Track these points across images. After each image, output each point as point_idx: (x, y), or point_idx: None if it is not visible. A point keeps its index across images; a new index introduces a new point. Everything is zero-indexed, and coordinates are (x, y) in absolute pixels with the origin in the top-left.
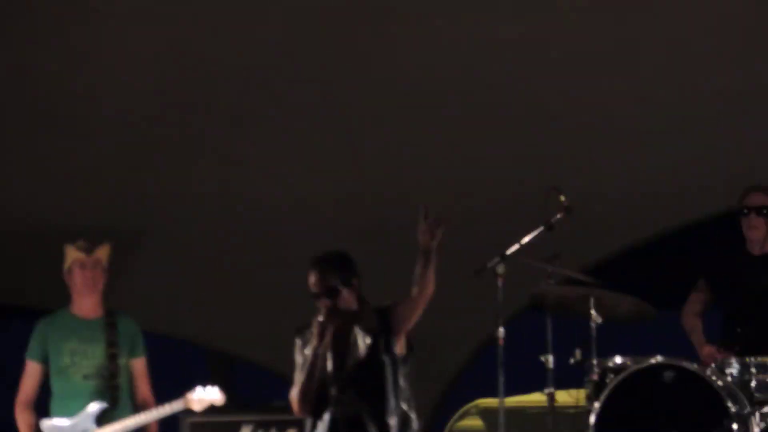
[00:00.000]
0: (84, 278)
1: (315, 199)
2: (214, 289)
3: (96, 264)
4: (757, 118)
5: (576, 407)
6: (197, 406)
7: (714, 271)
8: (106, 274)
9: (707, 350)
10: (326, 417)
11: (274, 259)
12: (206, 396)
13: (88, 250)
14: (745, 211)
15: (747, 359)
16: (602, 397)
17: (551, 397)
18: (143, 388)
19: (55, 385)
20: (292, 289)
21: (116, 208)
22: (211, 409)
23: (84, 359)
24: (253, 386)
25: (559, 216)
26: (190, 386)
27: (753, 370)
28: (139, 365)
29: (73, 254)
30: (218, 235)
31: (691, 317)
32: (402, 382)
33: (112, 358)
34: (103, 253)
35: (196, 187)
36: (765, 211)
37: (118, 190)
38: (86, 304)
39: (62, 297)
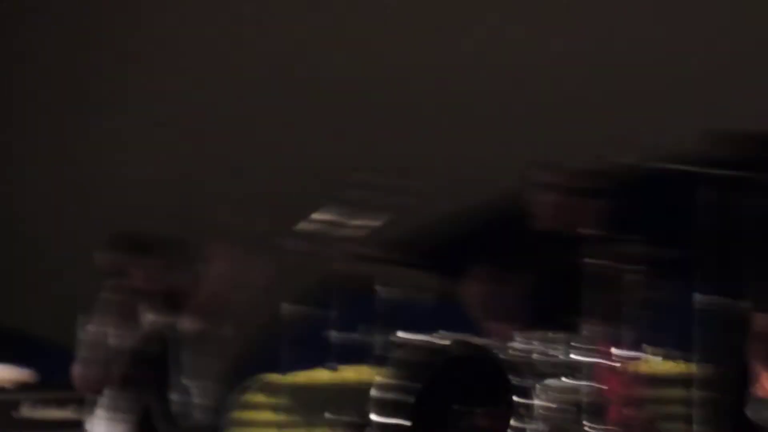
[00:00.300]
0: None
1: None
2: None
3: None
4: None
5: (361, 383)
6: None
7: (498, 249)
8: None
9: (492, 327)
10: (110, 394)
11: (63, 233)
12: (6, 373)
13: None
14: (535, 187)
15: (532, 333)
16: (387, 372)
17: (337, 373)
18: None
19: None
20: (79, 265)
21: None
22: None
23: None
24: (41, 363)
25: (357, 193)
26: None
27: (536, 343)
28: None
29: None
30: (6, 209)
31: (474, 296)
32: (190, 357)
33: None
34: None
35: None
36: (553, 188)
37: None
38: None
39: None
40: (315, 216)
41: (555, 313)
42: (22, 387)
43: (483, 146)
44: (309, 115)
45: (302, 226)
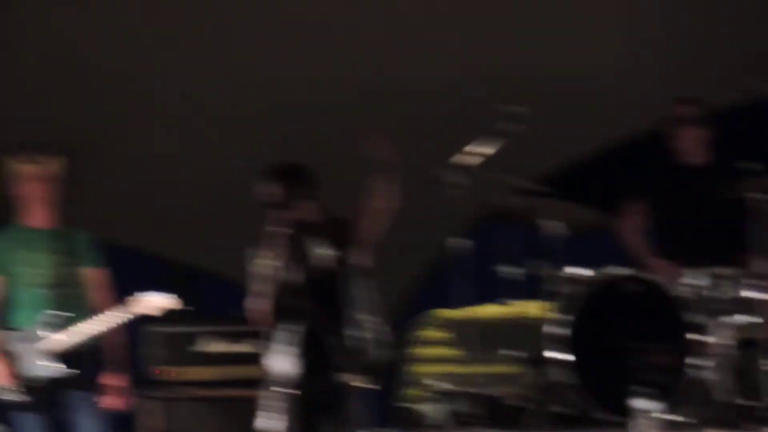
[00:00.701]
0: (35, 191)
1: (274, 109)
2: (171, 199)
3: (47, 177)
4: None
5: (533, 318)
6: (150, 310)
7: (650, 185)
8: (59, 187)
9: (657, 264)
10: (288, 328)
11: (234, 169)
12: (157, 299)
13: (39, 164)
14: (678, 122)
15: (701, 270)
16: (559, 307)
17: (510, 308)
18: (103, 298)
19: (14, 296)
20: (251, 200)
21: (81, 120)
22: (178, 320)
23: (38, 269)
24: (217, 298)
25: (513, 126)
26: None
27: (710, 280)
28: (95, 275)
29: (23, 167)
30: (180, 147)
31: (632, 234)
32: (364, 293)
33: (64, 266)
34: (55, 166)
35: (157, 98)
36: (696, 122)
37: (82, 101)
38: (38, 216)
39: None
40: (475, 149)
41: (721, 248)
42: (196, 319)
43: (633, 81)
44: (465, 42)
45: (462, 158)
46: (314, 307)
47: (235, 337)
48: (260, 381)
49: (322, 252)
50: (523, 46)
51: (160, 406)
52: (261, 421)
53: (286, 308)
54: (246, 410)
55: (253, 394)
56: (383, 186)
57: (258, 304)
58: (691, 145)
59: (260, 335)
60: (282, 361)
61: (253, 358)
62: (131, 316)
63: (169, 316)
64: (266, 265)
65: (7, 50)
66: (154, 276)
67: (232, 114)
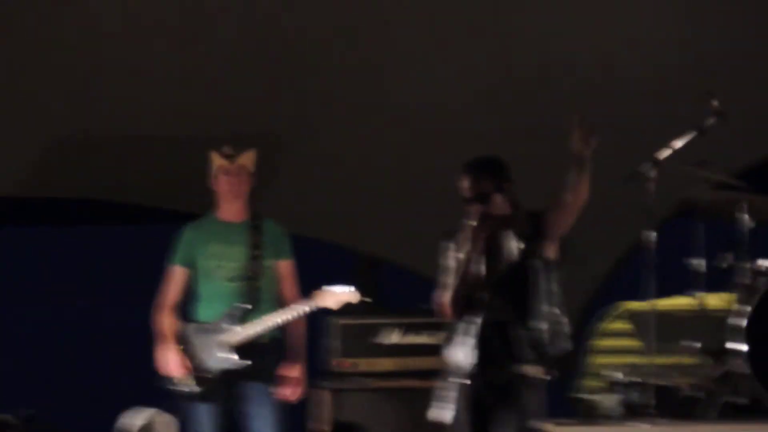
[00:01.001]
0: (228, 185)
1: (467, 103)
2: (361, 191)
3: (240, 170)
4: None
5: (726, 311)
6: (332, 303)
7: None
8: (251, 179)
9: None
10: (476, 321)
11: (423, 162)
12: (340, 293)
13: (232, 157)
14: None
15: None
16: (753, 301)
17: (701, 301)
18: (289, 290)
19: (200, 289)
20: (439, 192)
21: (265, 111)
22: (359, 312)
23: (228, 261)
24: (399, 289)
25: (711, 120)
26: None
27: None
28: (284, 268)
29: (217, 161)
30: (367, 138)
31: None
32: (554, 286)
33: (255, 259)
34: (247, 159)
35: (346, 90)
36: None
37: (267, 93)
38: (231, 209)
39: (209, 204)
40: (675, 143)
41: None
42: (385, 311)
43: None
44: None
45: (662, 152)
46: (499, 299)
47: (417, 328)
48: (438, 372)
49: (512, 245)
50: (726, 32)
51: (331, 396)
52: (434, 411)
53: (472, 300)
54: (421, 401)
55: (429, 385)
56: (575, 179)
57: (446, 296)
58: None
59: (443, 327)
60: (461, 352)
61: (433, 350)
62: (314, 309)
63: (352, 307)
64: (457, 258)
65: (207, 41)
66: (340, 267)
67: (425, 109)
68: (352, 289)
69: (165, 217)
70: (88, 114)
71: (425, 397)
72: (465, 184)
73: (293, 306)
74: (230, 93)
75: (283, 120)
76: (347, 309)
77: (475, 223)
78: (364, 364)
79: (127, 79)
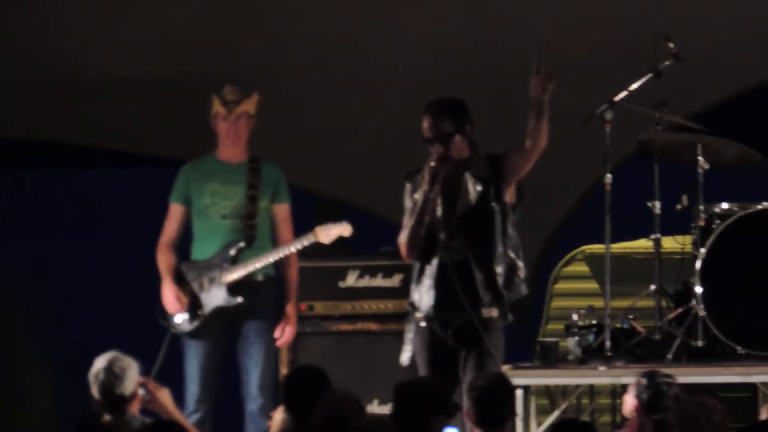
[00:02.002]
0: (226, 130)
1: (430, 46)
2: (322, 134)
3: (239, 117)
4: None
5: (682, 253)
6: (326, 239)
7: None
8: (252, 123)
9: None
10: (434, 262)
11: (385, 104)
12: (335, 229)
13: (231, 105)
14: None
15: None
16: (709, 242)
17: (657, 243)
18: (285, 233)
19: (195, 226)
20: (401, 134)
21: (231, 56)
22: (318, 254)
23: (224, 200)
24: (361, 232)
25: (667, 63)
26: (298, 232)
27: None
28: (281, 211)
29: (216, 107)
30: (329, 81)
31: None
32: (511, 230)
33: (251, 199)
34: (249, 105)
35: (308, 32)
36: None
37: (233, 38)
38: (230, 151)
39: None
40: (631, 85)
41: None
42: (348, 255)
43: None
44: None
45: (618, 94)
46: (457, 241)
47: (376, 271)
48: (396, 315)
49: (470, 187)
50: None
51: (295, 340)
52: (405, 355)
53: (429, 241)
54: (379, 344)
55: (387, 328)
56: (534, 125)
57: (402, 237)
58: None
59: (410, 269)
60: (418, 293)
61: (392, 293)
62: (307, 245)
63: (310, 250)
64: (414, 199)
65: None
66: (302, 210)
67: (390, 52)
68: (345, 223)
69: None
70: (63, 56)
71: (384, 340)
72: (425, 124)
73: (288, 245)
74: (201, 37)
75: (248, 65)
76: (306, 251)
77: (433, 164)
78: (322, 307)
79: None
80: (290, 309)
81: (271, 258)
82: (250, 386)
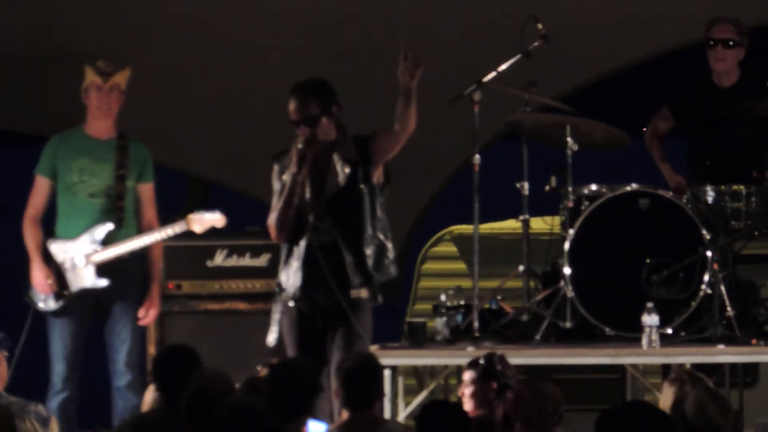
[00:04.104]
0: (98, 101)
1: (297, 25)
2: (191, 113)
3: (113, 88)
4: None
5: (550, 234)
6: (198, 228)
7: (681, 103)
8: (122, 98)
9: (677, 180)
10: (302, 243)
11: (252, 84)
12: (208, 218)
13: (107, 75)
14: (712, 42)
15: (722, 187)
16: (577, 224)
17: (526, 224)
18: (149, 213)
19: (61, 203)
20: (269, 115)
21: (92, 33)
22: (186, 234)
23: (92, 178)
24: (229, 211)
25: (536, 44)
26: (166, 210)
27: (728, 198)
28: (147, 190)
29: (91, 77)
30: (198, 59)
31: (655, 144)
32: (379, 211)
33: (120, 179)
34: (122, 77)
35: (177, 10)
36: (731, 43)
37: (94, 15)
38: (100, 125)
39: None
40: (499, 66)
41: (740, 164)
42: (216, 234)
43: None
44: None
45: (487, 75)
46: (325, 222)
47: (243, 251)
48: (264, 295)
49: (338, 169)
50: None
51: (163, 319)
52: (271, 336)
53: (297, 223)
54: (247, 324)
55: (255, 308)
56: (402, 110)
57: (271, 218)
58: (724, 65)
59: (269, 249)
60: (285, 274)
61: (259, 272)
62: (179, 232)
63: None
64: (283, 180)
65: None
66: (170, 189)
67: (257, 30)
68: (218, 213)
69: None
70: None
71: (251, 320)
72: (292, 106)
73: (159, 228)
74: (66, 14)
75: (112, 42)
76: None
77: (301, 146)
78: (189, 286)
79: None
80: (153, 289)
81: (141, 243)
82: (118, 363)
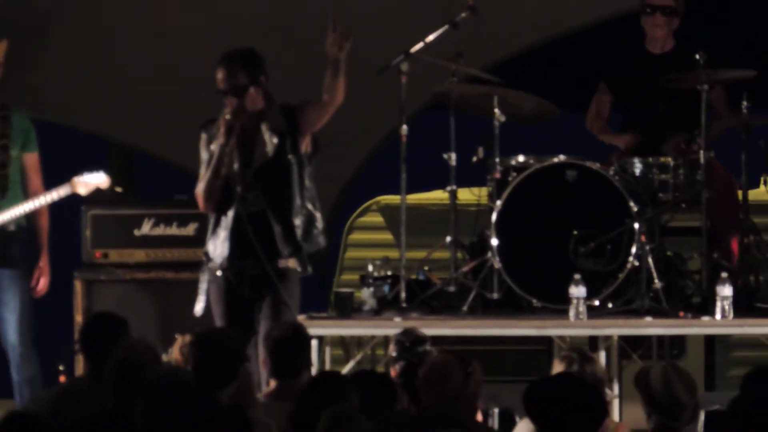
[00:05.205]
0: None
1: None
2: (117, 81)
3: None
4: None
5: (478, 205)
6: (83, 190)
7: (614, 72)
8: (1, 69)
9: (625, 139)
10: (230, 213)
11: (180, 53)
12: (91, 180)
13: None
14: (649, 9)
15: (649, 159)
16: (504, 195)
17: (453, 195)
18: (35, 182)
19: None
20: (197, 83)
21: (17, 2)
22: (113, 203)
23: None
24: (155, 180)
25: (463, 14)
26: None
27: (655, 170)
28: (31, 160)
29: None
30: (123, 26)
31: (596, 119)
32: (308, 181)
33: (2, 149)
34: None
35: None
36: (669, 11)
37: None
38: None
39: None
40: (427, 37)
41: (670, 136)
42: (143, 203)
43: None
44: None
45: (414, 46)
46: (253, 192)
47: (170, 220)
48: (199, 265)
49: (266, 139)
50: None
51: (83, 286)
52: (199, 305)
53: (225, 193)
54: (174, 293)
55: (182, 277)
56: (330, 81)
57: (199, 188)
58: (661, 31)
59: (196, 219)
60: (212, 244)
61: (186, 241)
62: (63, 196)
63: (104, 197)
64: (210, 150)
65: None
66: (94, 157)
67: (194, 4)
68: (102, 174)
69: None
70: None
71: (178, 289)
72: (219, 76)
73: (43, 194)
74: None
75: (39, 9)
76: (100, 199)
77: (228, 116)
78: (116, 254)
79: None
80: (43, 258)
81: (25, 208)
82: (9, 334)
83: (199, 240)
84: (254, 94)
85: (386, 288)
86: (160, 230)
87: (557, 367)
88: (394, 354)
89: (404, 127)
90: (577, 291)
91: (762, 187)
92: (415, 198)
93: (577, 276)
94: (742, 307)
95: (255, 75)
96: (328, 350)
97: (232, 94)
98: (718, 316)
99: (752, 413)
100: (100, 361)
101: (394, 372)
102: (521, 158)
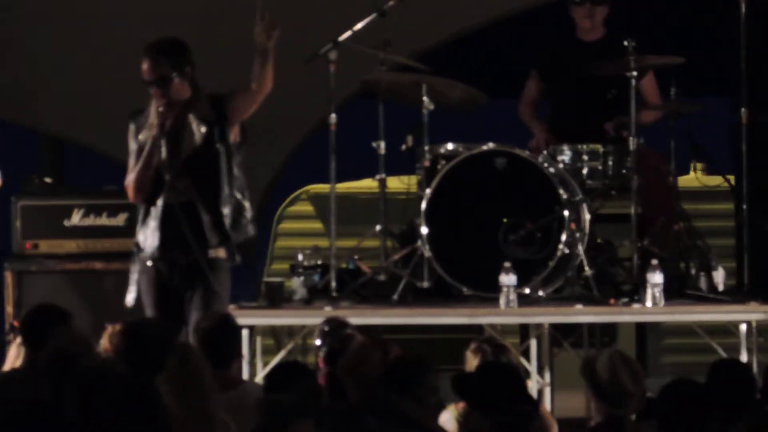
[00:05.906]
0: None
1: None
2: (45, 70)
3: None
4: None
5: (407, 193)
6: None
7: (545, 59)
8: None
9: (540, 138)
10: (159, 203)
11: (107, 41)
12: None
13: None
14: (577, 0)
15: (579, 146)
16: (434, 183)
17: (382, 183)
18: None
19: None
20: (124, 72)
21: None
22: (43, 193)
23: None
24: (85, 171)
25: (391, 2)
26: (21, 170)
27: (585, 157)
28: None
29: None
30: (53, 16)
31: (526, 107)
32: (236, 170)
33: None
34: None
35: None
36: (597, 1)
37: None
38: None
39: None
40: (355, 25)
41: (600, 125)
42: (73, 194)
43: None
44: None
45: (342, 34)
46: (182, 182)
47: (100, 210)
48: (130, 255)
49: (194, 128)
50: None
51: (13, 277)
52: (130, 296)
53: (154, 183)
54: (105, 283)
55: (112, 267)
56: (259, 70)
57: (129, 178)
58: (591, 22)
59: (135, 210)
60: (143, 234)
61: (116, 232)
62: None
63: (34, 188)
64: (139, 141)
65: None
66: (23, 148)
67: None
68: None
69: None
70: None
71: (109, 279)
72: (144, 66)
73: None
74: None
75: None
76: (29, 190)
77: (162, 108)
78: (46, 245)
79: None
80: None
81: None
82: None
83: (129, 230)
84: (179, 84)
85: (316, 277)
86: (91, 220)
87: (471, 361)
88: (318, 342)
89: (333, 116)
90: (508, 279)
91: (692, 174)
92: (344, 187)
93: (507, 264)
94: (673, 294)
95: (180, 65)
96: (258, 340)
97: (157, 85)
98: (648, 304)
99: (681, 399)
100: (39, 352)
101: (320, 361)
102: (450, 146)
